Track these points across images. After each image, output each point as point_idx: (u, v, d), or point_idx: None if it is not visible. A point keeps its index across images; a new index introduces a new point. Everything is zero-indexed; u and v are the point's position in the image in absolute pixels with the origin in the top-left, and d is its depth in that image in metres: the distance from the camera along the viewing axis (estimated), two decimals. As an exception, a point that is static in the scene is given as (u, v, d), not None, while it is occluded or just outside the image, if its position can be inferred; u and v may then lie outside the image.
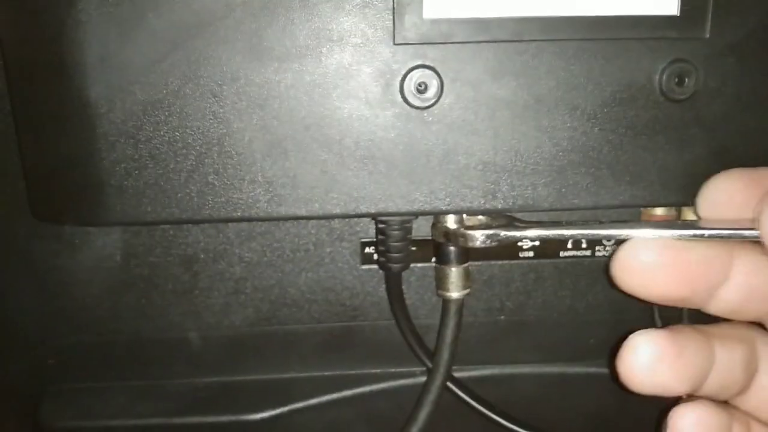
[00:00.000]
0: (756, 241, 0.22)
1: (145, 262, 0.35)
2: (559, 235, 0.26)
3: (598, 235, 0.25)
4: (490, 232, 0.28)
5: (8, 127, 0.31)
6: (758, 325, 0.24)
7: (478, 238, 0.28)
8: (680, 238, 0.22)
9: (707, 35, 0.27)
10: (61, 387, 0.37)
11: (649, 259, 0.22)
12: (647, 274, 0.22)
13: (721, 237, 0.22)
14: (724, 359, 0.22)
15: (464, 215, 0.30)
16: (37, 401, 0.37)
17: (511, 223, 0.29)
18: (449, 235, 0.30)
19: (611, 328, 0.38)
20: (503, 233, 0.28)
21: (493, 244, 0.29)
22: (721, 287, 0.22)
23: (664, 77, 0.27)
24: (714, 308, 0.23)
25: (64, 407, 0.37)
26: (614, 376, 0.21)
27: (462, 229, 0.29)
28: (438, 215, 0.30)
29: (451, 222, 0.30)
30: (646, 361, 0.20)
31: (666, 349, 0.20)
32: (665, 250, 0.22)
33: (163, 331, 0.36)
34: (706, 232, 0.22)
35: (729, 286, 0.22)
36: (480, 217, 0.30)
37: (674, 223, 0.23)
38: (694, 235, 0.22)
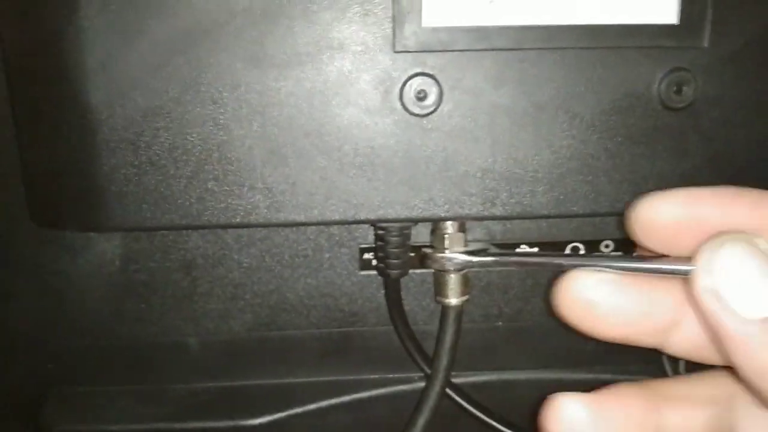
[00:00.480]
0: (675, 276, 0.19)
1: (144, 267, 0.35)
2: (511, 262, 0.29)
3: (544, 264, 0.24)
4: (463, 258, 0.30)
5: (8, 132, 0.31)
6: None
7: (445, 263, 0.31)
8: (615, 272, 0.20)
9: (706, 44, 0.27)
10: (62, 391, 0.37)
11: (584, 295, 0.19)
12: (584, 310, 0.20)
13: (650, 272, 0.19)
14: (679, 427, 0.19)
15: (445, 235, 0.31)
16: (38, 405, 0.37)
17: (484, 250, 0.31)
18: (425, 259, 0.31)
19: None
20: (466, 258, 0.30)
21: (465, 269, 0.31)
22: (673, 330, 0.20)
23: (663, 86, 0.27)
24: (670, 351, 0.20)
25: (65, 411, 0.37)
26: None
27: (435, 254, 0.31)
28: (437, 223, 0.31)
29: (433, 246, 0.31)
30: (568, 424, 0.19)
31: (590, 416, 0.19)
32: (603, 286, 0.19)
33: (163, 335, 0.36)
34: (641, 266, 0.19)
35: (682, 330, 0.20)
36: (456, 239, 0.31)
37: (618, 256, 0.21)
38: (631, 269, 0.19)
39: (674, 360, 0.36)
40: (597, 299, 0.20)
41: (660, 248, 0.20)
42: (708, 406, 0.19)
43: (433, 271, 0.33)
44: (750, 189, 0.19)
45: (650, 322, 0.20)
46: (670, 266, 0.19)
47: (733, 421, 0.19)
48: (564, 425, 0.19)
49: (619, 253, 0.22)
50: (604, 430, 0.19)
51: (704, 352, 0.20)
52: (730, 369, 0.19)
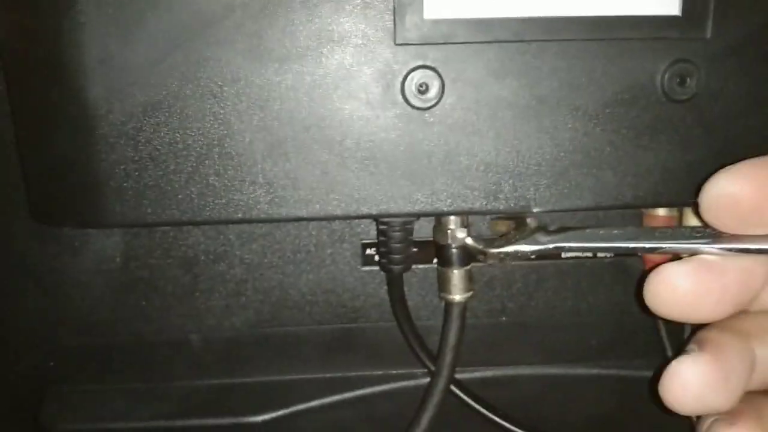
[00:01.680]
0: None
1: (145, 264, 0.35)
2: (590, 247, 0.24)
3: (631, 248, 0.22)
4: (510, 249, 0.26)
5: (7, 129, 0.31)
6: None
7: (496, 256, 0.26)
8: (723, 253, 0.20)
9: (709, 35, 0.27)
10: (62, 389, 0.37)
11: (687, 288, 0.19)
12: (684, 301, 0.20)
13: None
14: (765, 354, 0.20)
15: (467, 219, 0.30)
16: (37, 403, 0.37)
17: (535, 231, 0.26)
18: (466, 250, 0.29)
19: (613, 329, 0.38)
20: (523, 248, 0.26)
21: (515, 260, 0.27)
22: (762, 292, 0.20)
23: (666, 77, 0.27)
24: (755, 309, 0.21)
25: (65, 409, 0.37)
26: (654, 397, 0.20)
27: (480, 246, 0.28)
28: (441, 220, 0.30)
29: (476, 242, 0.29)
30: (694, 391, 0.19)
31: (713, 376, 0.19)
32: (704, 274, 0.19)
33: (164, 333, 0.36)
34: (759, 246, 0.19)
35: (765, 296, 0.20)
36: (504, 222, 0.29)
37: (702, 232, 0.20)
38: (744, 251, 0.19)
39: (672, 338, 0.36)
40: (702, 290, 0.19)
41: (738, 227, 0.20)
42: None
43: (436, 266, 0.33)
44: None
45: (749, 294, 0.20)
46: None
47: None
48: (688, 393, 0.19)
49: (698, 229, 0.21)
50: (727, 386, 0.19)
51: None
52: None
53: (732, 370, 0.19)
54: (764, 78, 0.28)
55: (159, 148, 0.27)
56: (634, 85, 0.27)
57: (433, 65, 0.26)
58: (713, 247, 0.20)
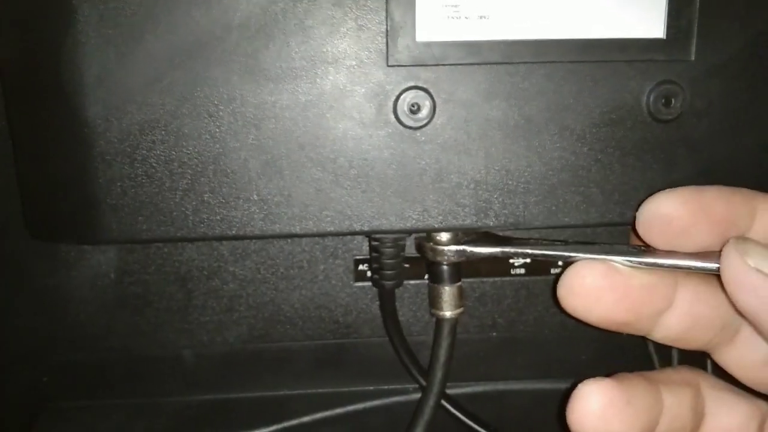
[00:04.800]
0: (702, 273, 0.21)
1: (139, 279, 0.35)
2: (515, 253, 0.28)
3: (550, 255, 0.26)
4: (459, 248, 0.29)
5: (5, 144, 0.31)
6: (704, 360, 0.24)
7: (446, 252, 0.30)
8: (632, 265, 0.22)
9: (693, 57, 0.27)
10: (56, 405, 0.37)
11: (592, 283, 0.22)
12: (592, 297, 0.22)
13: (679, 268, 0.22)
14: (673, 404, 0.22)
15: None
16: (31, 419, 0.37)
17: (483, 239, 0.30)
18: (421, 249, 0.31)
19: (603, 344, 0.38)
20: (469, 249, 0.29)
21: (461, 259, 0.30)
22: (665, 315, 0.22)
23: (652, 98, 0.28)
24: (658, 335, 0.23)
25: (59, 425, 0.37)
26: (563, 425, 0.21)
27: (431, 244, 0.30)
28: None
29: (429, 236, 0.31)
30: (596, 410, 0.20)
31: (615, 398, 0.20)
32: (610, 274, 0.22)
33: (157, 348, 0.36)
34: (665, 262, 0.22)
35: (672, 313, 0.22)
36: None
37: (627, 248, 0.23)
38: (652, 264, 0.22)
39: (661, 354, 0.37)
40: (607, 286, 0.21)
41: (665, 244, 0.22)
42: (688, 387, 0.22)
43: (428, 282, 0.33)
44: (738, 189, 0.22)
45: (650, 307, 0.22)
46: (695, 263, 0.21)
47: (707, 397, 0.23)
48: (591, 413, 0.20)
49: (625, 246, 0.23)
50: (628, 412, 0.20)
51: (688, 335, 0.23)
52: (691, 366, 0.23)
53: (635, 397, 0.21)
54: (748, 98, 0.28)
55: (155, 165, 0.27)
56: (620, 106, 0.28)
57: (424, 86, 0.27)
58: (623, 259, 0.22)
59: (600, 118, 0.28)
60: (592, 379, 0.21)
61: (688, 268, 0.22)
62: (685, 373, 0.23)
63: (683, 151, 0.28)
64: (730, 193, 0.22)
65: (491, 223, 0.28)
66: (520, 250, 0.27)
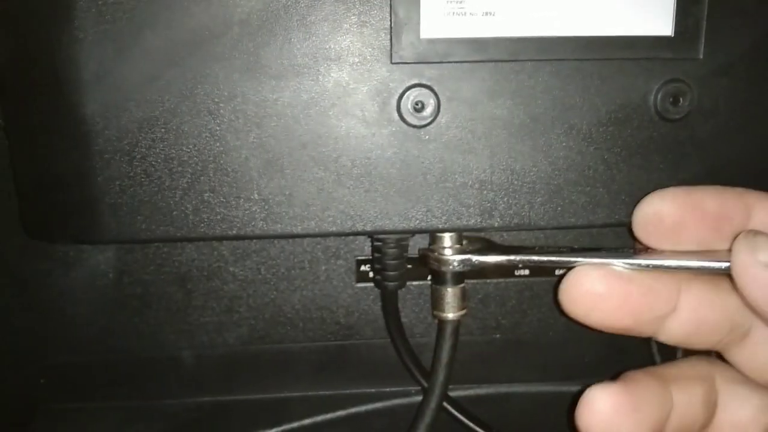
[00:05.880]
0: (710, 273, 0.21)
1: (138, 280, 0.34)
2: (520, 261, 0.27)
3: (555, 262, 0.25)
4: (464, 257, 0.29)
5: (1, 143, 0.30)
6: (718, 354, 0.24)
7: (452, 262, 0.29)
8: (632, 268, 0.22)
9: (701, 56, 0.27)
10: (53, 407, 0.37)
11: (593, 288, 0.22)
12: (592, 302, 0.22)
13: (684, 269, 0.22)
14: (683, 402, 0.22)
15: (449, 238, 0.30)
16: (28, 421, 0.36)
17: (487, 247, 0.30)
18: (425, 258, 0.30)
19: (606, 346, 0.38)
20: (475, 258, 0.29)
21: (466, 269, 0.30)
22: (669, 318, 0.22)
23: (659, 97, 0.27)
24: (663, 338, 0.23)
25: (56, 428, 0.36)
26: (573, 429, 0.21)
27: (436, 254, 0.30)
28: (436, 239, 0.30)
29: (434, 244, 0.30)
30: (604, 416, 0.20)
31: (623, 403, 0.20)
32: (611, 279, 0.22)
33: (156, 349, 0.36)
34: (668, 263, 0.22)
35: (677, 317, 0.22)
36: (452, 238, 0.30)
37: (630, 252, 0.23)
38: (655, 266, 0.22)
39: (665, 355, 0.36)
40: (605, 291, 0.21)
41: (662, 244, 0.22)
42: (701, 381, 0.22)
43: (430, 283, 0.33)
44: (732, 188, 0.22)
45: (652, 311, 0.22)
46: (708, 263, 0.21)
47: (720, 389, 0.22)
48: (599, 418, 0.20)
49: (629, 250, 0.23)
50: (637, 416, 0.20)
51: (694, 338, 0.22)
52: (708, 354, 0.23)
53: (643, 401, 0.21)
54: (756, 97, 0.28)
55: (154, 164, 0.27)
56: (627, 105, 0.27)
57: (428, 84, 0.26)
58: (623, 262, 0.22)
59: (607, 116, 0.27)
60: (599, 385, 0.21)
61: (694, 269, 0.22)
62: (700, 367, 0.23)
63: (691, 151, 0.28)
64: (722, 190, 0.22)
65: (496, 224, 0.28)
66: (525, 258, 0.27)
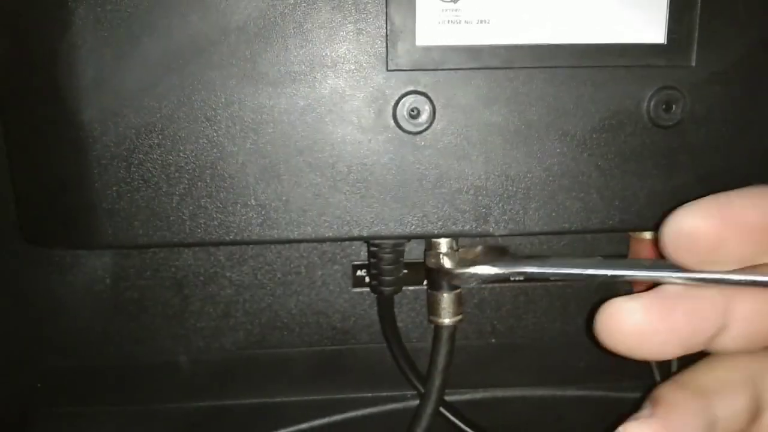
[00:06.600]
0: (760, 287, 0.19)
1: (135, 284, 0.34)
2: (552, 273, 0.24)
3: (594, 275, 0.22)
4: (488, 272, 0.26)
5: (-1, 149, 0.31)
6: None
7: (475, 279, 0.26)
8: (680, 283, 0.19)
9: (693, 63, 0.27)
10: (50, 411, 0.37)
11: (635, 321, 0.19)
12: (631, 337, 0.19)
13: (731, 283, 0.19)
14: (727, 415, 0.19)
15: (455, 248, 0.30)
16: (24, 426, 0.36)
17: (503, 257, 0.27)
18: (443, 275, 0.30)
19: (601, 350, 0.38)
20: (496, 271, 0.26)
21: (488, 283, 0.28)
22: (721, 335, 0.20)
23: (652, 104, 0.28)
24: (716, 350, 0.20)
25: (52, 431, 0.36)
26: None
27: (457, 271, 0.27)
28: (432, 244, 0.31)
29: (446, 261, 0.29)
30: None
31: None
32: (652, 306, 0.19)
33: (153, 354, 0.36)
34: (714, 276, 0.19)
35: (729, 333, 0.20)
36: (473, 249, 0.29)
37: (667, 264, 0.20)
38: (701, 280, 0.19)
39: (663, 368, 0.36)
40: (647, 325, 0.19)
41: (698, 266, 0.19)
42: (745, 388, 0.19)
43: (426, 288, 0.33)
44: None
45: (701, 334, 0.19)
46: (749, 278, 0.19)
47: (760, 394, 0.19)
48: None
49: (661, 261, 0.21)
50: None
51: (752, 346, 0.20)
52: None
53: (685, 429, 0.19)
54: (748, 104, 0.28)
55: (152, 170, 0.27)
56: (620, 111, 0.28)
57: (424, 91, 0.27)
58: (676, 276, 0.19)
59: (600, 123, 0.28)
60: (635, 423, 0.19)
61: (744, 283, 0.19)
62: (742, 367, 0.20)
63: (683, 157, 0.28)
64: (763, 195, 0.19)
65: (491, 229, 0.28)
66: (543, 270, 0.24)
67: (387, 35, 0.26)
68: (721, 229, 0.19)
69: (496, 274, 0.26)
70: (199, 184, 0.27)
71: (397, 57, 0.26)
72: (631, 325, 0.19)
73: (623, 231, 0.31)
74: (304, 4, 0.26)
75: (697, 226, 0.19)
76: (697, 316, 0.19)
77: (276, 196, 0.27)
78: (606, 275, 0.22)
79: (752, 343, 0.20)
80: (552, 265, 0.23)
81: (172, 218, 0.27)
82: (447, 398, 0.36)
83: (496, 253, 0.27)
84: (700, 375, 0.20)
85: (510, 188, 0.28)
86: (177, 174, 0.27)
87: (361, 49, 0.26)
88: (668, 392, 0.19)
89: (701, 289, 0.19)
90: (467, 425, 0.36)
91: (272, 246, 0.35)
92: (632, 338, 0.19)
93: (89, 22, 0.25)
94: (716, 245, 0.19)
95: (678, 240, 0.19)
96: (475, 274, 0.26)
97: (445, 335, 0.32)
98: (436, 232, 0.28)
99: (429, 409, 0.32)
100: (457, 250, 0.30)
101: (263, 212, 0.27)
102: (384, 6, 0.26)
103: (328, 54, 0.26)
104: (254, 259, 0.35)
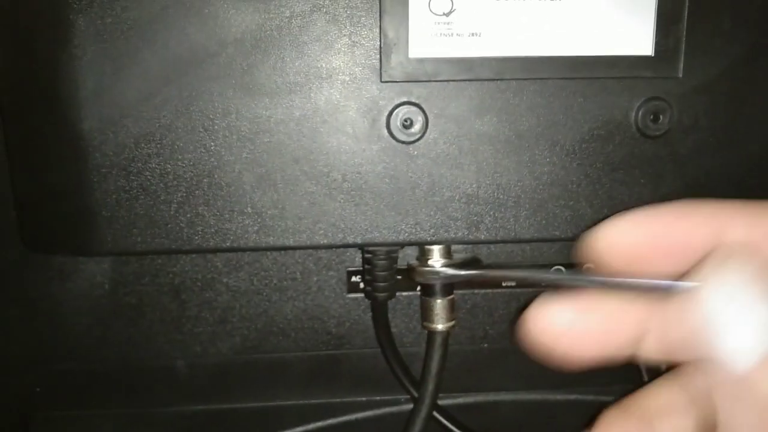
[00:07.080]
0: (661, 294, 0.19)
1: (133, 290, 0.35)
2: (494, 276, 0.29)
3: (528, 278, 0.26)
4: (442, 270, 0.30)
5: (0, 156, 0.31)
6: None
7: (431, 276, 0.31)
8: (604, 288, 0.19)
9: (681, 75, 0.28)
10: (50, 415, 0.37)
11: (564, 320, 0.19)
12: (563, 337, 0.19)
13: (659, 288, 0.19)
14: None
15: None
16: (25, 429, 0.37)
17: (469, 263, 0.31)
18: (409, 271, 0.31)
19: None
20: (450, 272, 0.30)
21: (442, 281, 0.31)
22: (643, 342, 0.20)
23: (640, 114, 0.28)
24: (643, 361, 0.20)
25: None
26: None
27: (420, 267, 0.31)
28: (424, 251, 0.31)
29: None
30: None
31: None
32: (578, 307, 0.19)
33: (151, 359, 0.36)
34: (637, 282, 0.19)
35: (650, 341, 0.20)
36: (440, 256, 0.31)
37: (588, 273, 0.20)
38: (622, 285, 0.19)
39: (652, 372, 0.37)
40: (566, 325, 0.19)
41: (616, 272, 0.20)
42: (692, 409, 0.19)
43: (420, 294, 0.34)
44: (705, 201, 0.19)
45: (619, 338, 0.20)
46: (665, 284, 0.18)
47: (715, 413, 0.19)
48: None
49: (599, 274, 0.21)
50: None
51: (677, 354, 0.20)
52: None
53: None
54: (734, 115, 0.29)
55: (150, 178, 0.27)
56: (609, 122, 0.28)
57: (417, 102, 0.27)
58: (602, 280, 0.20)
59: (589, 133, 0.28)
60: None
61: (643, 287, 0.19)
62: (689, 387, 0.20)
63: (671, 167, 0.29)
64: (692, 213, 0.19)
65: (483, 237, 0.29)
66: (499, 273, 0.29)
67: (381, 47, 0.27)
68: (643, 246, 0.19)
69: (453, 275, 0.30)
70: (197, 192, 0.28)
71: (390, 69, 0.27)
72: (552, 323, 0.19)
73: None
74: (300, 18, 0.26)
75: (618, 239, 0.19)
76: (616, 316, 0.19)
77: (272, 204, 0.28)
78: (536, 279, 0.23)
79: (671, 351, 0.19)
80: (501, 272, 0.28)
81: (170, 225, 0.28)
82: (440, 402, 0.36)
83: (468, 261, 0.31)
84: (644, 398, 0.20)
85: (501, 197, 0.29)
86: (175, 182, 0.27)
87: (355, 61, 0.27)
88: (610, 416, 0.19)
89: (621, 294, 0.20)
90: (460, 429, 0.36)
91: (268, 252, 0.35)
92: (553, 338, 0.19)
93: (90, 34, 0.26)
94: (640, 256, 0.19)
95: (606, 250, 0.19)
96: (434, 271, 0.30)
97: (438, 340, 0.33)
98: (428, 239, 0.29)
99: (422, 413, 0.33)
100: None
101: (259, 220, 0.28)
102: (378, 19, 0.26)
103: (324, 66, 0.27)
104: (250, 266, 0.35)
